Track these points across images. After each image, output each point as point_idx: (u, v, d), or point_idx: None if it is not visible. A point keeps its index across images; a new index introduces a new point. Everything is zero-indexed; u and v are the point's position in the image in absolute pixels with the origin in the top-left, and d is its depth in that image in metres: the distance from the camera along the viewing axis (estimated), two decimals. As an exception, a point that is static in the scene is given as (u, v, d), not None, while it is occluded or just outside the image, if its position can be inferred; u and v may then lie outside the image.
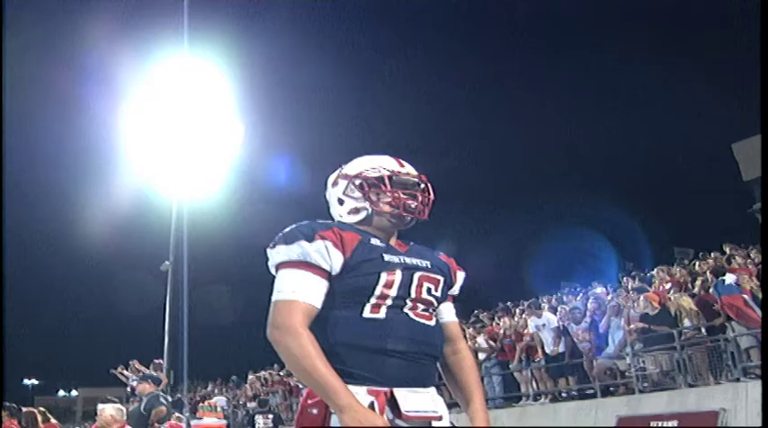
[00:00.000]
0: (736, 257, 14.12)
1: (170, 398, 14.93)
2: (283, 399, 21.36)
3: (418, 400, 2.33)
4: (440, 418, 2.37)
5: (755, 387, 10.81)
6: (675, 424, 11.15)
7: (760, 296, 11.68)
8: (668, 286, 13.76)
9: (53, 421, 12.13)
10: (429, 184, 2.67)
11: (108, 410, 8.31)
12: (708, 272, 13.09)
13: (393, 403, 2.28)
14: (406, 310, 2.42)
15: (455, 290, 2.77)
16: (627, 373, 12.99)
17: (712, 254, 15.48)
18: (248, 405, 22.79)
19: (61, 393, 71.83)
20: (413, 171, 2.68)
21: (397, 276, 2.43)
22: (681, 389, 11.92)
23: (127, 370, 15.27)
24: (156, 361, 16.45)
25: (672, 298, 12.56)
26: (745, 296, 11.53)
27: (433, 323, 2.50)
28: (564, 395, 14.15)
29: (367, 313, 2.36)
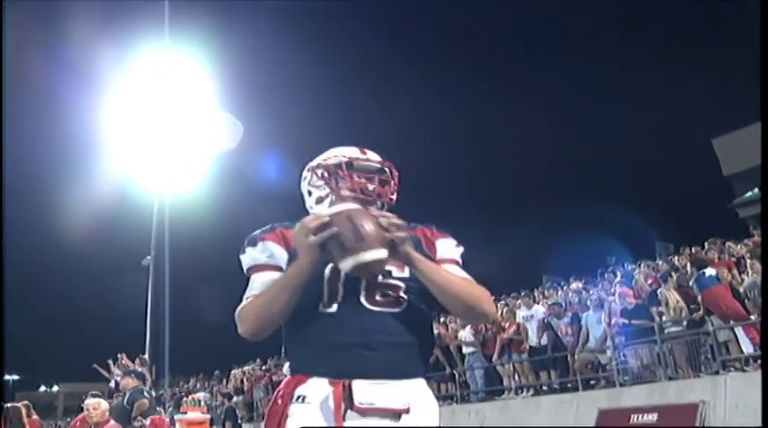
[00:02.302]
0: (714, 251, 14.27)
1: (153, 393, 14.93)
2: (265, 394, 21.34)
3: (378, 392, 2.25)
4: (404, 412, 2.26)
5: (734, 379, 10.94)
6: (656, 417, 11.24)
7: (740, 289, 11.82)
8: (650, 281, 13.88)
9: (35, 416, 12.08)
10: (394, 170, 2.64)
11: (103, 405, 8.41)
12: (688, 265, 13.19)
13: (351, 395, 2.24)
14: (361, 300, 2.36)
15: (443, 256, 2.55)
16: (608, 367, 13.08)
17: (692, 249, 15.61)
18: (233, 399, 22.78)
19: (42, 388, 71.49)
20: (376, 157, 2.67)
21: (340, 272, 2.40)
22: (661, 382, 12.03)
23: (114, 364, 15.21)
24: (142, 356, 16.41)
25: (659, 292, 12.63)
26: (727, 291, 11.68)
27: (397, 309, 2.39)
28: (545, 388, 14.23)
29: (321, 308, 2.36)
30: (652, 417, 11.29)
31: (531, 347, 14.27)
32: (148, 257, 22.19)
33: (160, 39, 22.22)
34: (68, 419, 30.18)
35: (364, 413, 2.21)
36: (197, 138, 22.86)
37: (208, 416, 16.81)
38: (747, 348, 11.27)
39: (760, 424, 4.64)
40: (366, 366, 2.27)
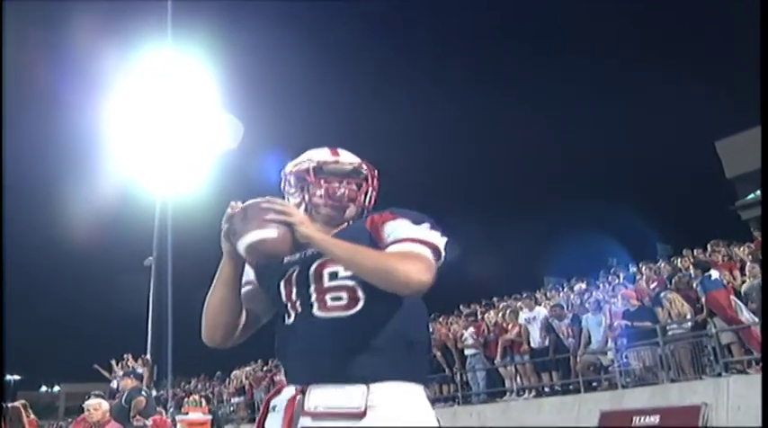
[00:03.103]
0: (718, 253, 14.24)
1: (154, 393, 14.92)
2: (266, 395, 21.31)
3: (329, 396, 2.22)
4: (358, 415, 2.17)
5: (737, 381, 10.92)
6: (658, 419, 11.22)
7: (742, 291, 11.81)
8: (653, 284, 13.85)
9: (32, 416, 12.10)
10: (370, 171, 2.60)
11: (104, 405, 8.45)
12: (691, 268, 13.18)
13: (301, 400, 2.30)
14: (314, 309, 2.35)
15: (394, 237, 2.36)
16: (610, 368, 13.06)
17: (694, 251, 15.58)
18: (232, 400, 22.77)
19: (43, 389, 71.48)
20: (350, 159, 2.60)
21: (293, 279, 2.42)
22: (663, 384, 12.00)
23: (118, 365, 15.23)
24: (144, 356, 16.45)
25: (662, 294, 12.60)
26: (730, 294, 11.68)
27: (350, 312, 2.30)
28: (547, 390, 14.21)
29: (285, 320, 2.44)
30: (654, 419, 11.27)
31: (532, 348, 14.24)
32: (150, 258, 22.22)
33: (162, 39, 22.27)
34: (70, 419, 30.11)
35: (315, 417, 2.21)
36: (200, 139, 22.91)
37: (209, 417, 16.84)
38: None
39: (760, 425, 4.62)
40: (318, 372, 2.27)
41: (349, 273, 2.32)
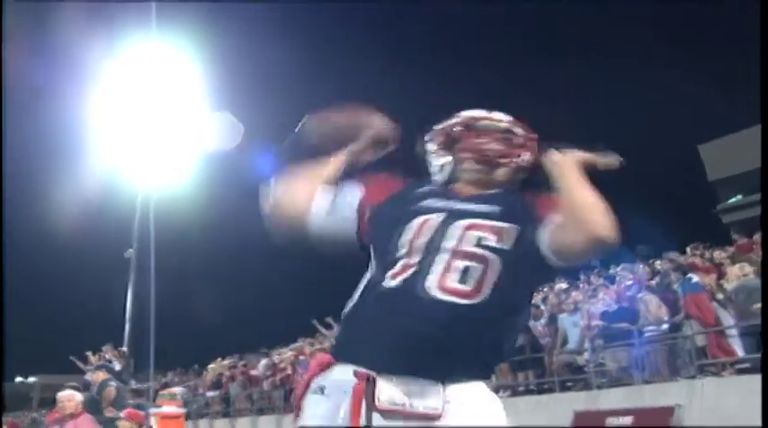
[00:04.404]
0: (698, 257, 14.28)
1: (134, 385, 14.83)
2: (242, 389, 21.23)
3: (407, 392, 1.95)
4: (435, 417, 1.94)
5: (710, 383, 10.99)
6: (631, 420, 11.25)
7: (719, 296, 11.85)
8: (631, 284, 13.87)
9: None
10: (530, 134, 2.38)
11: (77, 397, 8.42)
12: (671, 271, 13.21)
13: (370, 391, 1.94)
14: (427, 281, 2.03)
15: (550, 223, 2.12)
16: (585, 369, 13.09)
17: (672, 254, 15.60)
18: (207, 394, 22.67)
19: (18, 379, 70.95)
20: (504, 117, 2.39)
21: (429, 225, 2.13)
22: (638, 385, 12.04)
23: (94, 356, 15.13)
24: (120, 349, 16.34)
25: (640, 297, 12.63)
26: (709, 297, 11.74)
27: (467, 300, 2.02)
28: (522, 389, 14.21)
29: (388, 279, 2.08)
30: (627, 420, 11.30)
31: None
32: (130, 249, 22.05)
33: (147, 31, 22.09)
34: (44, 411, 29.92)
35: (389, 414, 1.93)
36: (185, 133, 22.81)
37: (183, 410, 16.72)
38: (738, 351, 11.35)
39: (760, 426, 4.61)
40: (400, 360, 1.99)
41: (498, 245, 2.08)
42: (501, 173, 2.32)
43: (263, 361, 20.81)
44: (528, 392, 14.03)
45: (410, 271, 2.06)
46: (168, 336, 22.43)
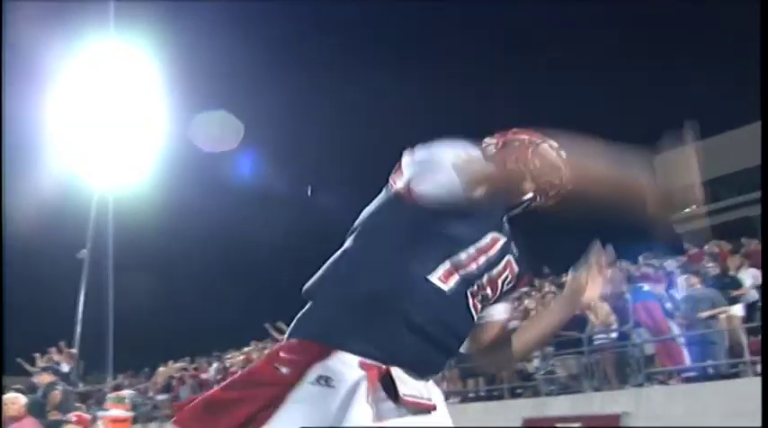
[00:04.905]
0: (650, 266, 14.39)
1: (82, 387, 14.58)
2: (192, 393, 20.96)
3: (415, 385, 1.87)
4: (435, 407, 1.91)
5: (657, 391, 11.13)
6: (579, 427, 11.28)
7: (667, 305, 11.96)
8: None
9: None
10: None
11: (21, 400, 8.31)
12: (623, 279, 13.30)
13: (388, 383, 1.81)
14: (469, 292, 2.02)
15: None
16: (534, 376, 13.12)
17: (624, 263, 15.65)
18: (157, 397, 22.36)
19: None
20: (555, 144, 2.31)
21: (497, 246, 2.09)
22: (586, 393, 12.13)
23: (42, 357, 14.87)
24: (69, 350, 16.07)
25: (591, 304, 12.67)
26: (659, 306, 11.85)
27: (479, 320, 2.14)
28: (472, 395, 14.22)
29: (434, 277, 1.94)
30: (575, 427, 11.34)
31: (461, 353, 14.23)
32: (84, 250, 21.76)
33: (105, 31, 21.94)
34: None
35: (403, 405, 1.81)
36: (142, 132, 22.69)
37: (131, 414, 16.48)
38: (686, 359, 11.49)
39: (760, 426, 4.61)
40: (416, 358, 1.91)
41: (505, 288, 2.19)
42: (514, 206, 2.25)
43: (215, 365, 20.57)
44: (477, 399, 14.04)
45: (459, 278, 1.99)
46: (119, 338, 22.17)
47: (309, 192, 27.14)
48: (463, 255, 1.99)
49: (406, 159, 2.09)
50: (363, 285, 1.94)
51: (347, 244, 2.08)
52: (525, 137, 2.27)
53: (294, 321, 2.00)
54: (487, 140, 2.30)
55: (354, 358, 1.82)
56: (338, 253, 2.08)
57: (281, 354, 1.86)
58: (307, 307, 2.02)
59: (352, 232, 2.10)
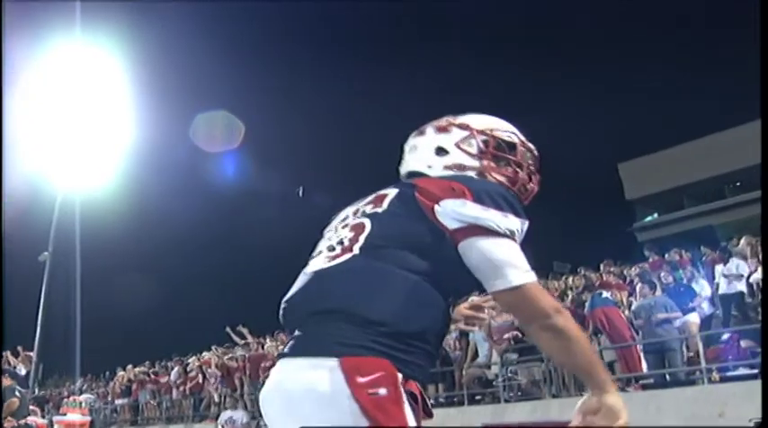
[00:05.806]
0: (610, 274, 14.51)
1: (37, 391, 14.36)
2: (151, 397, 20.77)
3: None
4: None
5: (614, 398, 11.14)
6: (536, 433, 11.36)
7: (626, 313, 12.06)
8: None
9: None
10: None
11: None
12: (582, 288, 13.40)
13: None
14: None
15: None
16: (494, 383, 13.15)
17: (583, 271, 15.73)
18: (116, 401, 22.13)
19: None
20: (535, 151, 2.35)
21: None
22: (545, 400, 12.18)
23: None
24: (27, 353, 15.82)
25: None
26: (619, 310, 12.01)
27: None
28: (432, 402, 14.20)
29: (448, 305, 2.07)
30: (533, 434, 11.41)
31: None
32: (45, 253, 21.48)
33: (71, 32, 21.70)
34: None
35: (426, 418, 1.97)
36: (106, 133, 22.50)
37: (88, 418, 16.30)
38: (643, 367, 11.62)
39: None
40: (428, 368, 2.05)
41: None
42: None
43: (175, 369, 20.38)
44: (437, 405, 14.03)
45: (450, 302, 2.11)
46: (80, 342, 21.89)
47: (301, 193, 27.09)
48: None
49: (473, 208, 1.97)
50: (417, 312, 1.93)
51: (387, 262, 1.97)
52: (505, 131, 2.32)
53: (337, 337, 1.88)
54: (460, 133, 2.27)
55: (414, 383, 1.89)
56: (380, 269, 1.96)
57: (361, 380, 1.78)
58: (346, 321, 1.90)
59: (379, 247, 2.00)
